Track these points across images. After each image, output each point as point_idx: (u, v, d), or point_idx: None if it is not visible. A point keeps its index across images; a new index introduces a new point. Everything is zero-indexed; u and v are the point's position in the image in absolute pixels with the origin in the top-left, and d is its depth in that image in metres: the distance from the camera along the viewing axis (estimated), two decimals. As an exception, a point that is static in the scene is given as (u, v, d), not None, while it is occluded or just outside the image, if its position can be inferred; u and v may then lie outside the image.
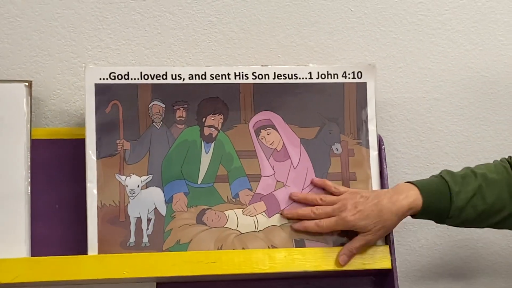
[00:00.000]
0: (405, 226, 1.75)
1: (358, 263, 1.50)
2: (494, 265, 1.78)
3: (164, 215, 1.50)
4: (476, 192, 1.48)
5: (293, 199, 1.53)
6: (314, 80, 1.57)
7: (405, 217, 1.48)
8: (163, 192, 1.51)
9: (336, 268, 1.50)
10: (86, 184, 1.48)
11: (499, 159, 1.55)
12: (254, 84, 1.56)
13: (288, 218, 1.53)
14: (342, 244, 1.52)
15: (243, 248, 1.50)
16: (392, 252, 1.52)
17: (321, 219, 1.50)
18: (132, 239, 1.48)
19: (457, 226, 1.53)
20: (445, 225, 1.72)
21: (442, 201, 1.47)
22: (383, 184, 1.56)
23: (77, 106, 1.63)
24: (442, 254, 1.76)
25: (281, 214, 1.52)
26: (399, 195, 1.47)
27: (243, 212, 1.52)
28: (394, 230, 1.55)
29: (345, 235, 1.53)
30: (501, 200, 1.48)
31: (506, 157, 1.55)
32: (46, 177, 1.52)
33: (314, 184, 1.54)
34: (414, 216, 1.50)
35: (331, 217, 1.49)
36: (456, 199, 1.47)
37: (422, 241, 1.75)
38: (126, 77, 1.52)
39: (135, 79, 1.53)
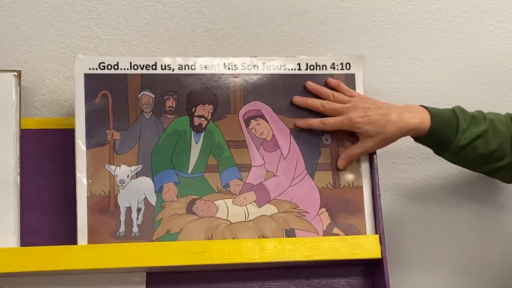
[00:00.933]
0: (395, 216, 1.75)
1: (348, 253, 1.50)
2: (484, 254, 1.78)
3: (154, 205, 1.50)
4: (481, 135, 1.49)
5: (307, 88, 1.55)
6: (303, 72, 1.57)
7: (408, 135, 1.50)
8: (153, 182, 1.50)
9: (326, 258, 1.50)
10: (76, 174, 1.48)
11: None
12: (243, 74, 1.55)
13: (297, 105, 1.54)
14: (334, 234, 1.53)
15: (233, 238, 1.50)
16: (382, 242, 1.52)
17: (327, 117, 1.52)
18: (122, 229, 1.48)
19: (452, 162, 1.54)
20: (434, 218, 1.73)
21: (448, 133, 1.48)
22: (373, 174, 1.56)
23: (66, 96, 1.63)
24: (432, 244, 1.76)
25: (291, 101, 1.54)
26: (409, 113, 1.49)
27: (233, 202, 1.52)
28: (384, 220, 1.55)
29: (335, 224, 1.53)
30: (502, 150, 1.49)
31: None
32: (36, 167, 1.51)
33: (329, 84, 1.55)
34: (416, 139, 1.52)
35: (338, 116, 1.51)
36: (461, 136, 1.48)
37: (412, 231, 1.76)
38: (116, 67, 1.52)
39: (124, 69, 1.52)
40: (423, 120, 1.48)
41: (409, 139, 1.63)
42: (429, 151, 1.74)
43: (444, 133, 1.48)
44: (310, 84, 1.55)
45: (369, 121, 1.49)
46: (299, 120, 1.54)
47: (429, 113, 1.49)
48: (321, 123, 1.52)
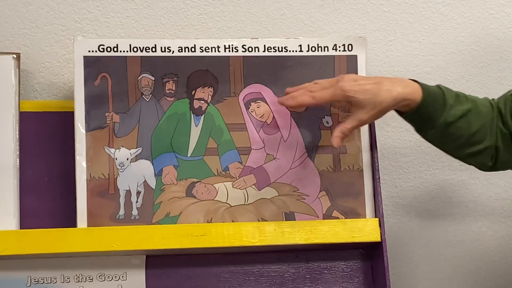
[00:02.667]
0: (394, 200, 1.75)
1: (347, 236, 1.51)
2: (482, 239, 1.79)
3: (153, 188, 1.50)
4: (466, 114, 1.46)
5: (287, 92, 1.50)
6: (304, 53, 1.56)
7: (399, 105, 1.44)
8: (153, 165, 1.50)
9: (326, 241, 1.50)
10: (75, 157, 1.47)
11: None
12: (244, 57, 1.55)
13: (283, 105, 1.50)
14: (333, 218, 1.53)
15: (233, 221, 1.50)
16: (381, 225, 1.52)
17: (316, 91, 1.46)
18: (122, 212, 1.48)
19: (434, 143, 1.50)
20: (434, 201, 1.73)
21: (436, 107, 1.45)
22: (373, 157, 1.56)
23: (65, 79, 1.62)
24: (431, 227, 1.76)
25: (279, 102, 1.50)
26: (401, 83, 1.45)
27: (233, 185, 1.52)
28: (384, 204, 1.55)
29: (334, 207, 1.53)
30: (482, 132, 1.46)
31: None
32: (35, 150, 1.51)
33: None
34: (404, 114, 1.47)
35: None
36: (448, 112, 1.45)
37: (412, 214, 1.76)
38: (115, 49, 1.51)
39: (124, 51, 1.52)
40: (415, 91, 1.44)
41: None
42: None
43: (433, 108, 1.45)
44: (289, 89, 1.51)
45: (361, 90, 1.43)
46: (285, 99, 1.49)
47: (420, 86, 1.46)
48: (311, 98, 1.46)
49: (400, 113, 1.49)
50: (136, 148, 1.50)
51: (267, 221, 1.51)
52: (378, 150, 1.57)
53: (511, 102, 1.47)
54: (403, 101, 1.44)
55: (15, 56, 1.50)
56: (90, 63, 1.50)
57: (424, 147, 1.76)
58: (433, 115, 1.45)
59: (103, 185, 1.48)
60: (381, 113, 1.45)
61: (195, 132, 1.52)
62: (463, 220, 1.78)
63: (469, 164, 1.53)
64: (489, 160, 1.49)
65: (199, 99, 1.53)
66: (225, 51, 1.54)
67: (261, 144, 1.54)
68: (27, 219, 1.47)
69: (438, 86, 1.48)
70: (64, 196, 1.50)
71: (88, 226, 1.46)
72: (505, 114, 1.47)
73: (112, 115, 1.50)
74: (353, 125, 1.45)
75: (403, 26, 1.77)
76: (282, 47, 1.56)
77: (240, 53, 1.55)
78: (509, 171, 1.73)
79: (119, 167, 1.49)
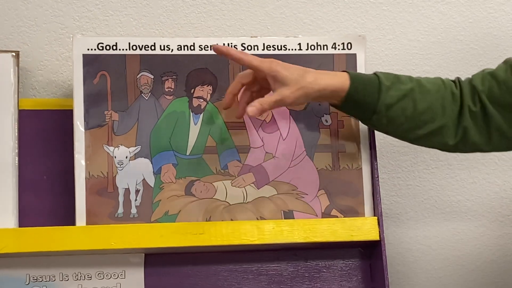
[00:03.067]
0: (393, 198, 1.75)
1: (346, 235, 1.51)
2: (481, 237, 1.79)
3: (152, 186, 1.50)
4: (408, 94, 1.43)
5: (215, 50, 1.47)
6: (304, 51, 1.56)
7: (327, 94, 1.42)
8: (152, 163, 1.50)
9: (324, 240, 1.50)
10: (74, 155, 1.47)
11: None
12: (243, 55, 1.55)
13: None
14: (332, 216, 1.53)
15: (232, 220, 1.50)
16: (380, 224, 1.52)
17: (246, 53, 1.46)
18: (121, 210, 1.48)
19: (383, 130, 1.49)
20: (432, 200, 1.73)
21: (370, 91, 1.43)
22: (372, 156, 1.56)
23: (64, 77, 1.62)
24: (430, 226, 1.77)
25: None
26: (328, 72, 1.44)
27: (232, 184, 1.52)
28: (382, 202, 1.55)
29: (333, 206, 1.53)
30: (432, 110, 1.44)
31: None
32: (34, 148, 1.51)
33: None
34: (339, 106, 1.46)
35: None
36: (386, 94, 1.43)
37: (410, 213, 1.76)
38: (114, 47, 1.51)
39: (123, 49, 1.52)
40: (342, 79, 1.43)
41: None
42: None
43: (366, 92, 1.43)
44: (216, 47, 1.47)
45: (287, 67, 1.42)
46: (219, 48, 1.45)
47: (348, 74, 1.44)
48: (241, 53, 1.44)
49: (337, 107, 1.47)
50: (135, 146, 1.50)
51: (266, 219, 1.51)
52: (377, 149, 1.57)
53: (489, 81, 1.45)
54: (330, 88, 1.42)
55: (14, 54, 1.50)
56: (89, 61, 1.50)
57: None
58: (369, 100, 1.43)
59: (102, 183, 1.48)
60: (306, 96, 1.42)
61: (194, 130, 1.52)
62: (462, 219, 1.78)
63: (430, 146, 1.50)
64: (451, 139, 1.46)
65: (198, 98, 1.53)
66: (224, 49, 1.54)
67: (260, 142, 1.54)
68: (26, 217, 1.48)
69: (374, 73, 1.46)
70: (63, 194, 1.50)
71: (87, 224, 1.46)
72: (482, 90, 1.44)
73: (111, 113, 1.50)
74: (276, 99, 1.41)
75: (402, 25, 1.77)
76: (281, 46, 1.56)
77: (239, 52, 1.54)
78: (508, 170, 1.73)
79: (118, 166, 1.49)
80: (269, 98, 1.42)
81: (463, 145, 1.47)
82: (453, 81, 1.49)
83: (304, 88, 1.42)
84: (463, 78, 1.49)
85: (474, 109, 1.45)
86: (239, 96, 1.49)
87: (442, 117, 1.45)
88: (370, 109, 1.44)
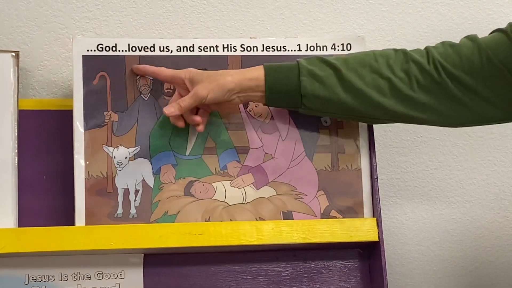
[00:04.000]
0: (392, 199, 1.75)
1: (345, 235, 1.51)
2: (480, 239, 1.79)
3: (152, 186, 1.50)
4: (332, 73, 1.42)
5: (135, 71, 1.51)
6: (303, 52, 1.56)
7: (246, 87, 1.43)
8: (151, 163, 1.50)
9: (323, 240, 1.50)
10: (74, 156, 1.48)
11: None
12: (242, 56, 1.55)
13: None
14: (331, 217, 1.53)
15: (231, 220, 1.51)
16: (379, 225, 1.52)
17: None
18: (120, 210, 1.48)
19: (322, 114, 1.49)
20: (431, 201, 1.73)
21: (288, 74, 1.43)
22: (371, 157, 1.56)
23: (64, 77, 1.62)
24: (429, 227, 1.77)
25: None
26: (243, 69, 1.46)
27: (231, 184, 1.52)
28: (381, 203, 1.55)
29: (332, 206, 1.53)
30: (364, 84, 1.41)
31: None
32: (34, 148, 1.51)
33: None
34: (266, 100, 1.45)
35: None
36: (308, 75, 1.42)
37: (409, 214, 1.76)
38: (114, 48, 1.52)
39: (123, 50, 1.52)
40: (257, 69, 1.44)
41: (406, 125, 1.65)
42: (426, 135, 1.75)
43: (284, 75, 1.42)
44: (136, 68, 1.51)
45: (200, 70, 1.46)
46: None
47: (263, 66, 1.45)
48: (156, 68, 1.49)
49: (265, 103, 1.47)
50: (135, 147, 1.50)
51: (265, 220, 1.51)
52: (376, 149, 1.57)
53: (451, 54, 1.42)
54: (245, 77, 1.43)
55: (14, 54, 1.50)
56: (89, 62, 1.50)
57: (422, 146, 1.77)
58: (291, 83, 1.42)
59: (101, 183, 1.48)
60: (220, 88, 1.43)
61: (194, 131, 1.52)
62: (461, 220, 1.78)
63: (382, 122, 1.50)
64: (402, 112, 1.42)
65: (198, 98, 1.53)
66: (223, 50, 1.54)
67: (259, 143, 1.54)
68: (26, 217, 1.48)
69: (296, 60, 1.46)
70: (63, 195, 1.50)
71: (86, 224, 1.46)
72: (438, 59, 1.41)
73: (110, 114, 1.50)
74: (190, 95, 1.44)
75: (401, 26, 1.77)
76: (280, 47, 1.56)
77: (238, 53, 1.55)
78: (507, 171, 1.73)
79: (118, 166, 1.49)
80: (185, 96, 1.45)
81: (413, 116, 1.43)
82: (395, 51, 1.45)
83: (217, 80, 1.43)
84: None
85: (427, 80, 1.41)
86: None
87: (379, 93, 1.41)
88: (295, 93, 1.43)
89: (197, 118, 1.48)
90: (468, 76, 1.40)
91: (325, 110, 1.46)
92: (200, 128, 1.49)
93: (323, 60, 1.45)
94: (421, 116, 1.44)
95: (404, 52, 1.45)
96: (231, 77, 1.44)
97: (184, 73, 1.46)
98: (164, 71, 1.49)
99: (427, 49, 1.45)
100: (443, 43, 1.46)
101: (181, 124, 1.48)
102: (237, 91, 1.44)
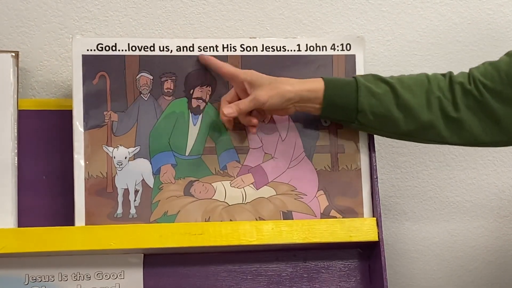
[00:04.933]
0: (392, 199, 1.75)
1: (345, 235, 1.51)
2: (480, 239, 1.79)
3: (151, 186, 1.50)
4: (390, 90, 1.45)
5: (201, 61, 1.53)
6: (303, 52, 1.56)
7: (304, 98, 1.45)
8: (151, 163, 1.50)
9: (323, 240, 1.50)
10: (74, 156, 1.48)
11: None
12: (242, 56, 1.55)
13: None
14: (331, 217, 1.53)
15: (231, 220, 1.51)
16: (379, 225, 1.52)
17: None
18: (120, 210, 1.48)
19: (371, 129, 1.50)
20: (431, 201, 1.73)
21: (348, 90, 1.45)
22: (371, 157, 1.56)
23: (64, 77, 1.62)
24: (429, 227, 1.77)
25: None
26: (302, 79, 1.48)
27: (231, 184, 1.52)
28: (381, 203, 1.55)
29: (332, 206, 1.53)
30: (417, 103, 1.44)
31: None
32: (33, 149, 1.51)
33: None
34: (322, 110, 1.47)
35: None
36: (365, 92, 1.44)
37: (409, 214, 1.76)
38: (114, 48, 1.52)
39: (122, 50, 1.52)
40: (317, 81, 1.46)
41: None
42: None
43: (344, 91, 1.44)
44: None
45: (261, 74, 1.47)
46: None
47: (322, 79, 1.46)
48: (220, 62, 1.50)
49: (320, 115, 1.48)
50: (134, 147, 1.50)
51: (265, 220, 1.51)
52: (375, 149, 1.57)
53: (490, 71, 1.45)
54: (305, 87, 1.45)
55: (13, 54, 1.50)
56: (89, 61, 1.50)
57: (422, 146, 1.77)
58: (349, 99, 1.45)
59: (101, 183, 1.48)
60: (280, 96, 1.45)
61: (193, 131, 1.53)
62: (461, 220, 1.78)
63: (424, 141, 1.51)
64: (444, 132, 1.45)
65: (197, 98, 1.53)
66: (223, 50, 1.54)
67: (259, 143, 1.54)
68: (25, 217, 1.48)
69: (353, 76, 1.48)
70: (62, 195, 1.50)
71: (86, 224, 1.46)
72: (481, 81, 1.43)
73: (110, 114, 1.50)
74: (250, 99, 1.46)
75: (401, 26, 1.77)
76: (280, 47, 1.56)
77: (238, 53, 1.55)
78: (506, 171, 1.73)
79: (117, 166, 1.49)
80: (245, 99, 1.47)
81: (458, 138, 1.47)
82: (443, 75, 1.49)
83: (277, 88, 1.45)
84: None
85: (470, 100, 1.44)
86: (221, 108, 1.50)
87: (429, 111, 1.45)
88: (352, 108, 1.45)
89: (254, 120, 1.50)
90: (507, 88, 1.43)
91: (376, 126, 1.48)
92: (254, 130, 1.51)
93: (378, 78, 1.47)
94: (462, 136, 1.47)
95: (450, 75, 1.48)
96: (291, 87, 1.45)
97: (245, 74, 1.48)
98: (226, 67, 1.50)
99: (469, 70, 1.48)
100: (483, 63, 1.49)
101: (231, 126, 1.51)
102: (295, 100, 1.46)
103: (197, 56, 1.53)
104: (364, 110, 1.45)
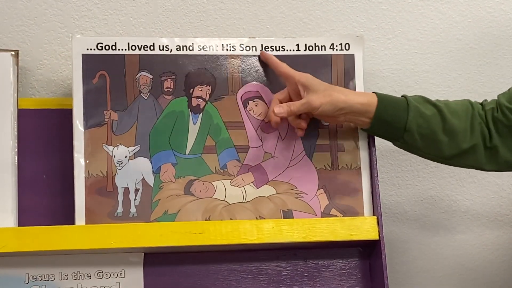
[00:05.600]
0: (392, 198, 1.75)
1: (345, 234, 1.51)
2: (481, 237, 1.79)
3: (152, 185, 1.50)
4: (437, 112, 1.46)
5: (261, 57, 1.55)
6: (302, 52, 1.56)
7: (355, 110, 1.46)
8: (151, 162, 1.50)
9: (324, 239, 1.50)
10: (74, 155, 1.48)
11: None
12: (242, 55, 1.55)
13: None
14: (331, 216, 1.53)
15: (231, 219, 1.51)
16: (379, 223, 1.52)
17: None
18: (120, 209, 1.48)
19: (413, 149, 1.50)
20: (432, 200, 1.73)
21: (399, 109, 1.46)
22: (371, 155, 1.56)
23: (64, 76, 1.62)
24: (429, 225, 1.77)
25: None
26: (358, 91, 1.50)
27: (231, 183, 1.52)
28: (382, 202, 1.55)
29: (332, 205, 1.53)
30: (462, 129, 1.46)
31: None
32: (33, 147, 1.51)
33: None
34: (371, 125, 1.48)
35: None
36: (415, 112, 1.46)
37: (410, 212, 1.76)
38: (114, 47, 1.52)
39: (122, 49, 1.52)
40: (369, 97, 1.47)
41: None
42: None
43: (395, 109, 1.46)
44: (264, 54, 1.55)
45: (317, 79, 1.48)
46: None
47: (375, 93, 1.48)
48: (278, 62, 1.51)
49: (367, 129, 1.50)
50: (134, 146, 1.50)
51: (265, 219, 1.51)
52: (376, 148, 1.57)
53: None
54: (358, 101, 1.46)
55: (13, 53, 1.50)
56: (89, 60, 1.50)
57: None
58: (399, 118, 1.46)
59: (101, 182, 1.48)
60: (333, 104, 1.45)
61: (193, 130, 1.53)
62: (461, 219, 1.78)
63: (464, 166, 1.52)
64: (482, 158, 1.48)
65: (197, 97, 1.53)
66: (223, 49, 1.54)
67: (259, 142, 1.54)
68: (25, 216, 1.48)
69: (402, 95, 1.50)
70: (63, 194, 1.50)
71: (86, 223, 1.46)
72: (508, 107, 1.46)
73: (110, 113, 1.50)
74: (302, 102, 1.47)
75: (401, 25, 1.77)
76: (279, 47, 1.56)
77: (238, 52, 1.55)
78: (507, 173, 1.73)
79: (117, 165, 1.49)
80: (297, 101, 1.48)
81: (495, 165, 1.49)
82: (481, 104, 1.51)
83: (331, 96, 1.46)
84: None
85: (499, 126, 1.47)
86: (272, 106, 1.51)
87: (472, 137, 1.47)
88: (400, 127, 1.46)
89: (303, 124, 1.52)
90: None
91: (420, 147, 1.49)
92: (301, 133, 1.52)
93: (426, 99, 1.48)
94: (498, 163, 1.49)
95: (484, 102, 1.51)
96: (345, 97, 1.46)
97: (300, 77, 1.48)
98: (282, 67, 1.51)
99: (497, 97, 1.51)
100: (510, 88, 1.51)
101: (277, 125, 1.51)
102: (346, 111, 1.47)
103: (197, 55, 1.53)
104: (412, 130, 1.46)
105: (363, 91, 1.52)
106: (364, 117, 1.48)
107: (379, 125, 1.48)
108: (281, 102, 1.50)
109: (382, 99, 1.47)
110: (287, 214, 1.53)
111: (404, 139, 1.48)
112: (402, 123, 1.46)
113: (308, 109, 1.47)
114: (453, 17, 1.79)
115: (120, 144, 1.50)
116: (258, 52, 1.55)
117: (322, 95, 1.46)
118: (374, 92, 1.49)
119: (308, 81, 1.48)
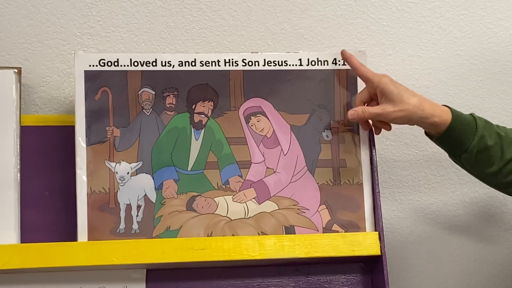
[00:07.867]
0: (394, 213, 1.75)
1: (347, 250, 1.51)
2: (483, 252, 1.79)
3: (154, 201, 1.50)
4: (497, 142, 1.49)
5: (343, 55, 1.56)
6: (304, 67, 1.57)
7: (427, 121, 1.48)
8: (153, 179, 1.51)
9: (326, 255, 1.50)
10: (76, 171, 1.48)
11: None
12: (244, 71, 1.55)
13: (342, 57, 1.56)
14: (333, 231, 1.53)
15: (233, 235, 1.50)
16: (381, 239, 1.52)
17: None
18: (122, 225, 1.48)
19: (467, 169, 1.53)
20: (433, 215, 1.73)
21: (468, 132, 1.48)
22: (373, 171, 1.56)
23: (66, 93, 1.63)
24: (431, 241, 1.77)
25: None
26: (431, 102, 1.49)
27: (233, 199, 1.52)
28: (383, 217, 1.55)
29: (334, 221, 1.53)
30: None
31: None
32: (36, 164, 1.52)
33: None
34: (435, 137, 1.50)
35: None
36: (479, 138, 1.48)
37: (411, 228, 1.76)
38: (116, 63, 1.52)
39: (124, 65, 1.52)
40: (444, 111, 1.49)
41: (408, 137, 1.65)
42: (428, 149, 1.75)
43: (464, 131, 1.48)
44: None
45: (395, 84, 1.49)
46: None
47: (449, 108, 1.49)
48: (359, 63, 1.53)
49: (430, 136, 1.52)
50: (137, 162, 1.50)
51: (267, 234, 1.51)
52: (377, 164, 1.57)
53: None
54: (432, 117, 1.47)
55: (16, 70, 1.50)
56: (91, 77, 1.51)
57: (423, 161, 1.77)
58: (464, 140, 1.48)
59: (103, 199, 1.48)
60: (407, 119, 1.48)
61: (195, 146, 1.53)
62: (463, 234, 1.78)
63: (510, 194, 1.55)
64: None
65: (199, 113, 1.54)
66: (225, 65, 1.55)
67: (261, 158, 1.55)
68: (28, 233, 1.48)
69: (470, 114, 1.51)
70: (65, 210, 1.50)
71: (88, 240, 1.46)
72: None
73: (112, 129, 1.51)
74: (376, 111, 1.49)
75: (402, 40, 1.78)
76: (282, 61, 1.56)
77: (240, 67, 1.55)
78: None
79: (120, 181, 1.49)
80: (372, 108, 1.50)
81: None
82: None
83: (407, 111, 1.47)
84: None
85: None
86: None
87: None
88: (462, 148, 1.49)
89: (377, 131, 1.56)
90: None
91: (470, 166, 1.52)
92: (377, 132, 1.56)
93: (490, 125, 1.51)
94: None
95: None
96: (422, 112, 1.47)
97: (379, 82, 1.49)
98: (362, 69, 1.52)
99: None
100: None
101: (356, 119, 1.52)
102: (418, 123, 1.49)
103: (199, 71, 1.53)
104: (471, 152, 1.48)
105: (437, 104, 1.51)
106: (433, 131, 1.50)
107: (443, 140, 1.50)
108: (361, 102, 1.53)
109: (456, 118, 1.48)
110: (289, 230, 1.53)
111: (461, 157, 1.50)
112: (466, 144, 1.48)
113: (383, 117, 1.50)
114: (454, 33, 1.80)
115: (122, 161, 1.50)
116: (260, 67, 1.55)
117: (399, 108, 1.47)
118: (447, 106, 1.49)
119: (385, 89, 1.48)
